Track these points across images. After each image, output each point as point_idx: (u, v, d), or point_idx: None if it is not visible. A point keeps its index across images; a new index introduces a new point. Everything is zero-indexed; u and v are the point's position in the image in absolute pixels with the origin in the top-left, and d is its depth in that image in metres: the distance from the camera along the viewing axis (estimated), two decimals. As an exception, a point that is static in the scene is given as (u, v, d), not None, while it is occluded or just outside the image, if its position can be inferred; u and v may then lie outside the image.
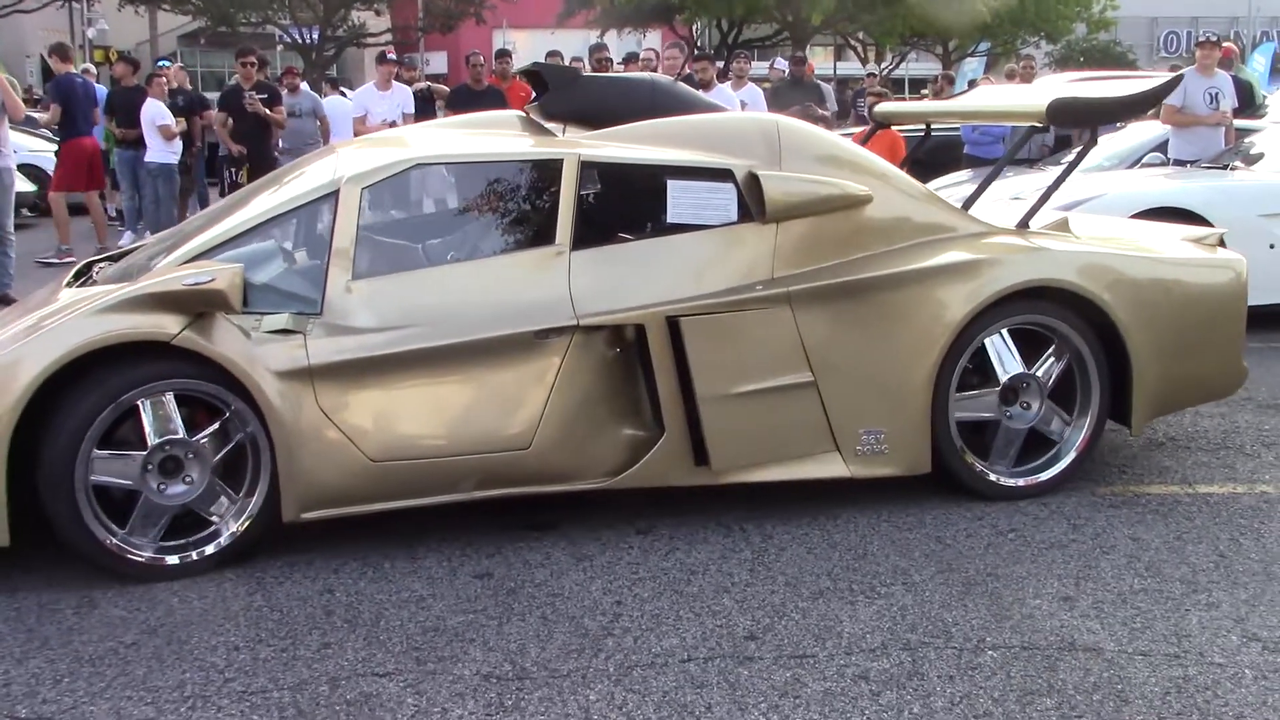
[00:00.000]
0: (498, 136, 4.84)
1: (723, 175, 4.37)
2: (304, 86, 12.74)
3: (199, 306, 3.82)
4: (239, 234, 4.13)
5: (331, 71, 32.88)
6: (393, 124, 10.88)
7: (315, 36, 33.77)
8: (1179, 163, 8.99)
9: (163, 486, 3.85)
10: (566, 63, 11.93)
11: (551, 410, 4.09)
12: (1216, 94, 9.13)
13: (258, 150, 11.87)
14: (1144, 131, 9.83)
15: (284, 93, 11.93)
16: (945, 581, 3.80)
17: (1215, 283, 4.82)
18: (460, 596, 3.73)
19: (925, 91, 18.02)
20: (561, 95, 5.03)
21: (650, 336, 4.12)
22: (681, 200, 4.34)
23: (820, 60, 38.73)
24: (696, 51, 17.52)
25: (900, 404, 4.37)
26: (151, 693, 3.14)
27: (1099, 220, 5.75)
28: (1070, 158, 5.29)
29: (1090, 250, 4.66)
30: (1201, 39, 9.74)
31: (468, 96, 10.83)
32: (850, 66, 38.51)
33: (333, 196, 4.14)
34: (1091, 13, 36.77)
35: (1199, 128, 9.08)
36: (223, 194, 12.62)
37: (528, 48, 27.91)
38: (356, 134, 11.19)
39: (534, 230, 4.37)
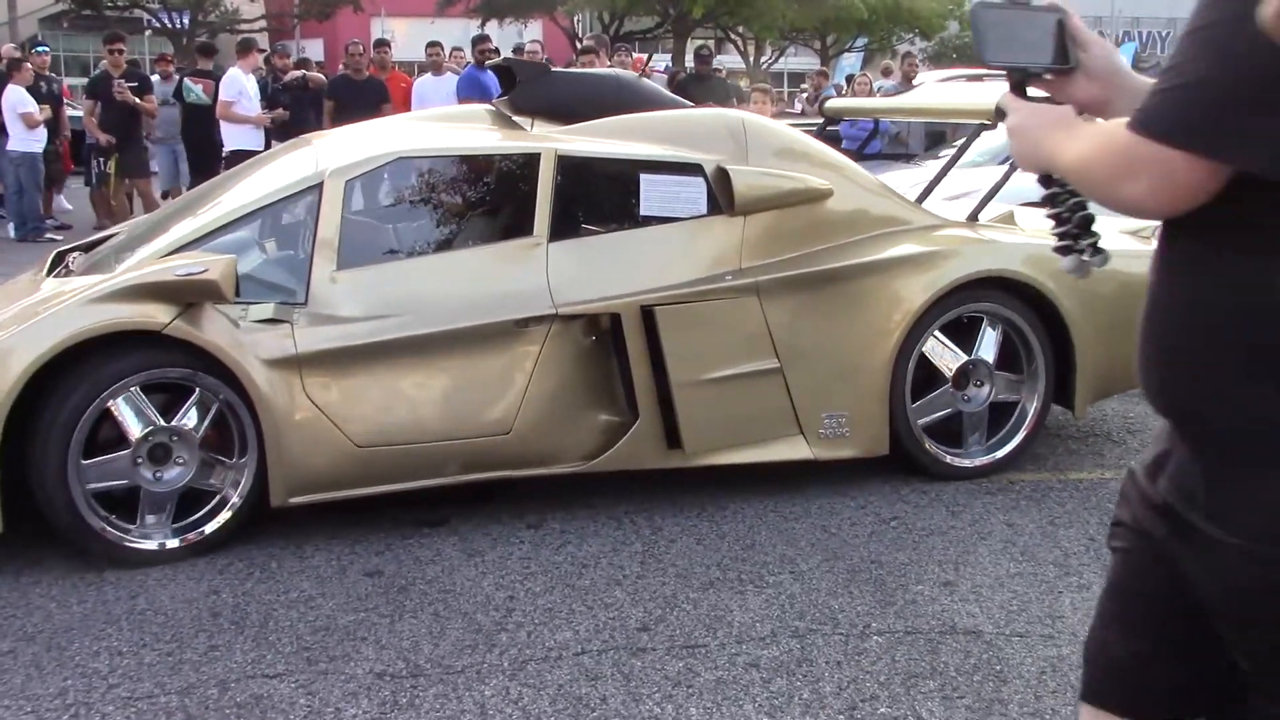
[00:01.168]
0: (474, 130, 4.94)
1: (693, 170, 4.49)
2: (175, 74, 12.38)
3: (191, 297, 3.83)
4: (223, 225, 4.16)
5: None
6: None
7: (186, 21, 32.80)
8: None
9: (142, 467, 3.89)
10: (447, 52, 11.82)
11: (531, 396, 4.18)
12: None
13: (127, 140, 11.53)
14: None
15: (156, 80, 11.61)
16: (831, 569, 3.89)
17: None
18: (350, 595, 3.70)
19: (804, 86, 18.29)
20: (530, 90, 5.08)
21: (626, 325, 4.23)
22: (654, 194, 4.47)
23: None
24: (580, 44, 17.49)
25: (860, 389, 4.52)
26: (31, 701, 3.05)
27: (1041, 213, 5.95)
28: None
29: (1036, 242, 4.84)
30: (1069, 39, 10.06)
31: (347, 86, 10.67)
32: (731, 60, 38.84)
33: (316, 189, 4.19)
34: (964, 10, 37.71)
35: (1066, 125, 9.38)
36: (88, 184, 12.20)
37: (406, 37, 27.51)
38: (224, 118, 10.82)
39: (513, 222, 4.46)
